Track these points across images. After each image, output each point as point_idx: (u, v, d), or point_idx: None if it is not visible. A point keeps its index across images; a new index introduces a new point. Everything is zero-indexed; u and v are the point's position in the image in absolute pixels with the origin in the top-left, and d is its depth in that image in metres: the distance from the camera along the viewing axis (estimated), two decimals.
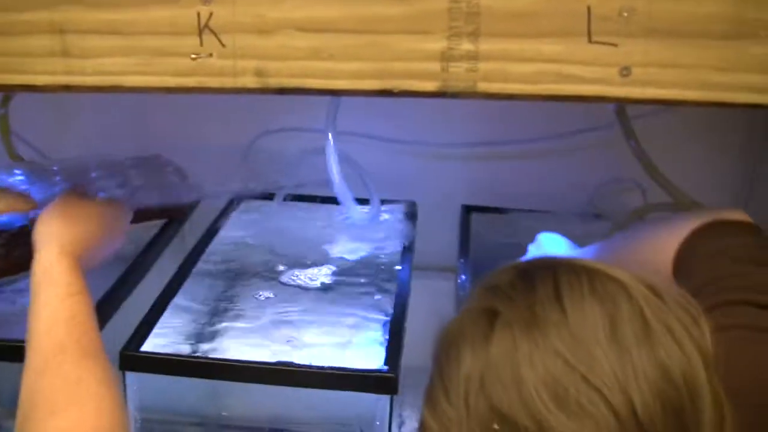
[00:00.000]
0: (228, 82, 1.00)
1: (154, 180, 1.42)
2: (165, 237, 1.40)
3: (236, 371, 1.12)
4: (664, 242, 1.02)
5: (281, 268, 1.35)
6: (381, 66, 0.98)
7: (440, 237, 1.53)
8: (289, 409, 1.18)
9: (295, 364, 1.12)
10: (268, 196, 1.51)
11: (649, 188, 1.47)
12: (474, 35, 0.96)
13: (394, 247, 1.40)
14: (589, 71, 0.97)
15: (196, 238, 1.42)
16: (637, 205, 1.47)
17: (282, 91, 1.00)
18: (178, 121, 1.56)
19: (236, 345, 1.18)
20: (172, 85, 1.00)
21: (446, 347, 0.71)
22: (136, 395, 1.13)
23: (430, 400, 0.71)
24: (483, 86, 0.98)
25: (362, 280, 1.32)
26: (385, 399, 1.12)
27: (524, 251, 1.41)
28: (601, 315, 0.65)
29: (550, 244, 1.31)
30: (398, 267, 1.35)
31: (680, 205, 1.38)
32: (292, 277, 1.32)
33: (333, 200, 1.32)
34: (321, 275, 1.33)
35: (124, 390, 1.13)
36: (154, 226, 1.42)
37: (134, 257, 1.33)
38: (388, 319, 1.23)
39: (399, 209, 1.52)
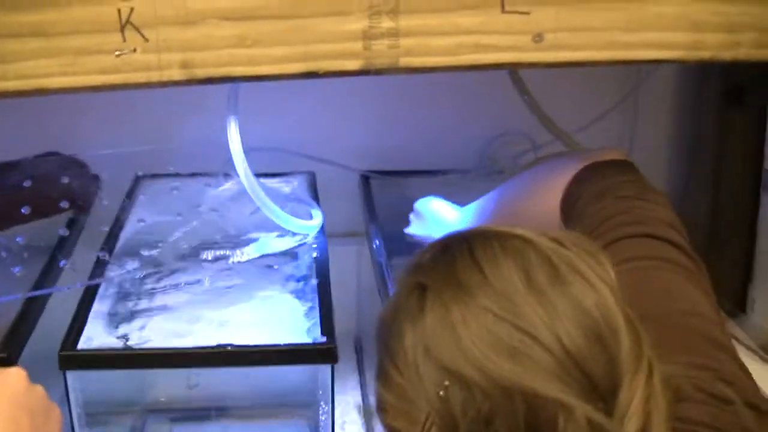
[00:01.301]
0: (154, 76, 1.00)
1: (52, 176, 1.41)
2: (75, 230, 1.39)
3: (177, 358, 1.13)
4: (548, 190, 1.10)
5: (195, 250, 1.35)
6: (305, 49, 1.00)
7: (337, 203, 1.55)
8: (231, 389, 1.21)
9: (235, 345, 1.13)
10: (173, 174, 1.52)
11: (540, 142, 1.54)
12: (393, 12, 1.00)
13: (302, 219, 1.42)
14: (504, 40, 1.02)
15: (106, 225, 1.41)
16: (529, 159, 1.54)
17: (209, 81, 1.01)
18: (76, 116, 1.53)
19: (167, 331, 1.18)
20: (99, 84, 1.00)
21: (387, 326, 0.76)
22: (79, 393, 1.13)
23: (382, 376, 0.76)
24: (405, 61, 1.02)
25: (278, 255, 1.34)
26: (325, 369, 1.15)
27: None
28: (515, 269, 0.72)
29: (429, 209, 1.37)
30: (311, 238, 1.37)
31: None
32: (209, 258, 1.33)
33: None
34: (237, 255, 1.34)
35: (66, 390, 1.13)
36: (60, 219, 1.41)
37: (49, 254, 1.32)
38: (313, 291, 1.26)
39: (300, 181, 1.54)
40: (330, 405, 1.17)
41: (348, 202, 1.57)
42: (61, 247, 1.34)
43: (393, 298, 0.78)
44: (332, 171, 1.57)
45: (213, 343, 1.13)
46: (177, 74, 1.01)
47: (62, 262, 1.30)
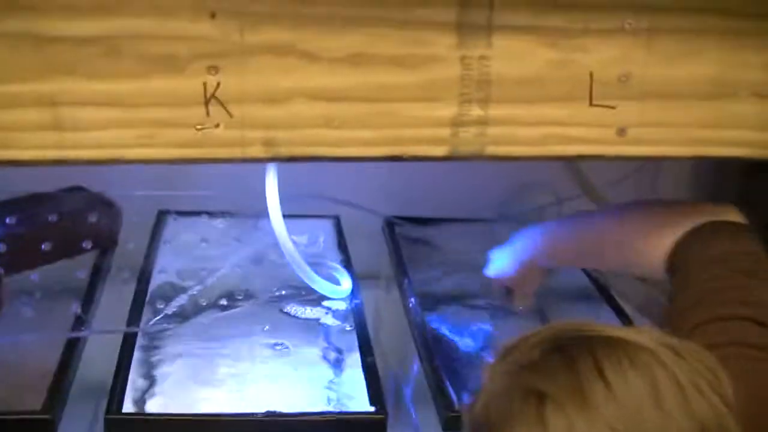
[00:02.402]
0: (236, 152, 0.98)
1: (75, 212, 1.37)
2: (100, 275, 1.36)
3: (225, 426, 1.11)
4: (658, 236, 1.07)
5: (226, 302, 1.32)
6: (392, 133, 0.99)
7: (357, 246, 1.54)
8: None
9: (282, 413, 1.11)
10: (196, 213, 1.49)
11: (564, 195, 1.54)
12: (484, 102, 0.99)
13: (333, 269, 1.40)
14: (589, 132, 1.02)
15: (131, 265, 1.38)
16: (553, 211, 1.54)
17: (293, 159, 0.99)
18: None
19: (198, 392, 1.16)
20: (177, 157, 0.98)
21: (495, 427, 0.73)
22: None
23: None
24: (491, 150, 1.01)
25: (312, 312, 1.33)
26: None
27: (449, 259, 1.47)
28: (643, 386, 0.70)
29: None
30: (347, 295, 1.35)
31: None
32: (242, 313, 1.31)
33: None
34: (269, 309, 1.32)
35: None
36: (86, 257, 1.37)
37: (80, 299, 1.28)
38: (344, 352, 1.24)
39: (325, 226, 1.53)
40: None
41: (368, 246, 1.56)
42: (90, 293, 1.31)
43: (501, 398, 0.75)
44: (353, 213, 1.55)
45: (253, 408, 1.11)
46: (260, 152, 0.98)
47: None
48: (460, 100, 0.98)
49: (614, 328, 0.77)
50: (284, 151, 0.98)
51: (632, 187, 1.60)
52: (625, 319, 1.36)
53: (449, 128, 0.99)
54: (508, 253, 1.32)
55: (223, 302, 1.33)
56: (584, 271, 1.47)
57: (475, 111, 0.99)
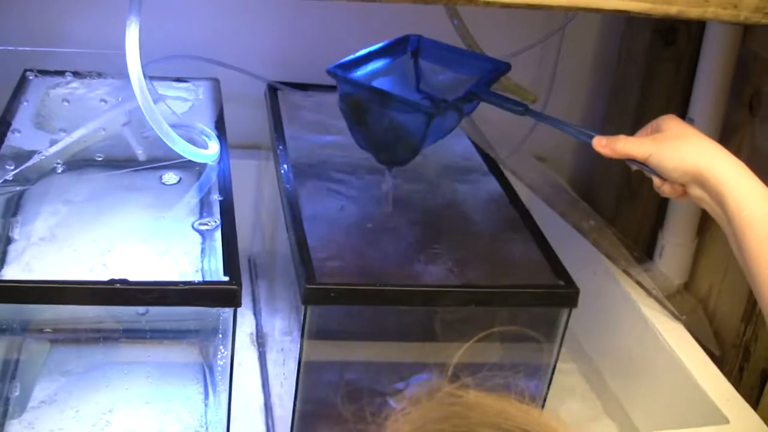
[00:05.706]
0: None
1: None
2: None
3: (74, 293, 1.02)
4: None
5: (86, 164, 1.22)
6: None
7: (240, 112, 1.44)
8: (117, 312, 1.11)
9: (133, 281, 1.02)
10: (60, 72, 1.38)
11: None
12: None
13: (204, 133, 1.30)
14: None
15: None
16: None
17: None
18: None
19: (45, 258, 1.06)
20: None
21: None
22: None
23: None
24: None
25: (175, 175, 1.23)
26: (228, 312, 1.06)
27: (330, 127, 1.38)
28: None
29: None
30: (213, 159, 1.25)
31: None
32: (103, 177, 1.20)
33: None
34: (132, 173, 1.21)
35: None
36: None
37: None
38: (210, 221, 1.16)
39: (203, 89, 1.42)
40: (230, 349, 1.09)
41: (252, 114, 1.46)
42: None
43: None
44: (237, 78, 1.45)
45: (99, 276, 1.03)
46: None
47: None
48: None
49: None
50: None
51: (535, 60, 1.52)
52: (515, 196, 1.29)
53: None
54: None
55: (83, 164, 1.22)
56: (474, 144, 1.38)
57: None
